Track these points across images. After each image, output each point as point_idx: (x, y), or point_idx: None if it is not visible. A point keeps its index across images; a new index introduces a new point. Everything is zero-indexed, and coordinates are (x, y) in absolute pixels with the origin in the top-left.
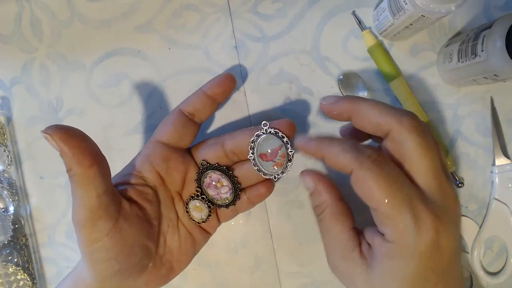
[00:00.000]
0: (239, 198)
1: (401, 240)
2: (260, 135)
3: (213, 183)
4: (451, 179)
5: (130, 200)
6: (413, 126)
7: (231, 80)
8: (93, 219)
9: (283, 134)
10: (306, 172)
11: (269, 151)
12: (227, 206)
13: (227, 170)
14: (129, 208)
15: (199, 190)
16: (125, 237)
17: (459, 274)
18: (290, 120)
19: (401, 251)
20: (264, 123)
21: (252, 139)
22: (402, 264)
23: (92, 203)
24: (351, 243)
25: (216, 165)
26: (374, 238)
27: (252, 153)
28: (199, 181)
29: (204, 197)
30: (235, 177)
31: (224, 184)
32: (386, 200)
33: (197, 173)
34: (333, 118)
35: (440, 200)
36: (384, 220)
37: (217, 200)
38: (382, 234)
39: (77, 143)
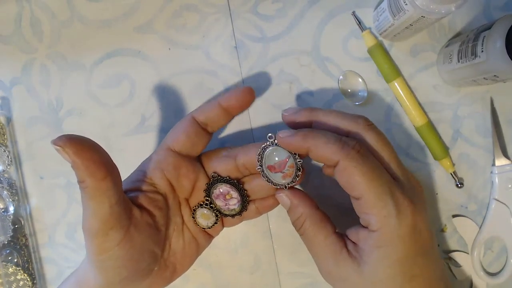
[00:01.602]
0: (246, 210)
1: (385, 227)
2: (267, 147)
3: (222, 194)
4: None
5: (141, 207)
6: (368, 125)
7: (250, 95)
8: (105, 229)
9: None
10: (280, 191)
11: (276, 162)
12: (233, 216)
13: (237, 184)
14: (140, 216)
15: (209, 199)
16: (135, 245)
17: (438, 256)
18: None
19: (386, 238)
20: (269, 135)
21: (259, 151)
22: (389, 250)
23: (104, 214)
24: (338, 245)
25: (227, 178)
26: (359, 234)
27: (260, 165)
28: (208, 191)
29: (213, 206)
30: (245, 190)
31: (233, 196)
32: (370, 189)
33: (206, 184)
34: (295, 128)
35: (409, 186)
36: (367, 209)
37: (224, 210)
38: (366, 227)
39: (90, 155)
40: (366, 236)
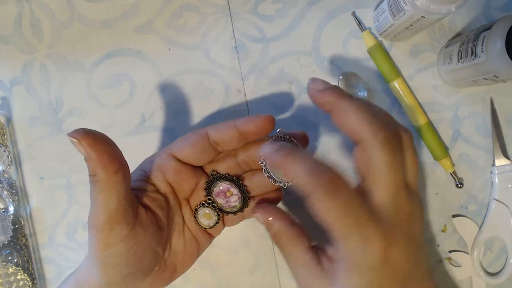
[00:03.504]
0: (247, 206)
1: (352, 257)
2: (275, 141)
3: (223, 192)
4: (416, 193)
5: (143, 205)
6: (385, 144)
7: (269, 123)
8: (111, 224)
9: (297, 143)
10: (257, 208)
11: None
12: (235, 213)
13: (237, 180)
14: (145, 215)
15: (211, 198)
16: (138, 242)
17: (422, 282)
18: (304, 132)
19: (354, 266)
20: (279, 130)
21: (267, 143)
22: (359, 277)
23: (112, 208)
24: (313, 262)
25: (226, 175)
26: (335, 249)
27: (264, 159)
28: (208, 189)
29: (215, 205)
30: (245, 186)
31: (233, 193)
32: (339, 223)
33: (206, 182)
34: (316, 105)
35: (393, 217)
36: (336, 239)
37: (225, 208)
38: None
39: (104, 149)
40: (339, 256)
